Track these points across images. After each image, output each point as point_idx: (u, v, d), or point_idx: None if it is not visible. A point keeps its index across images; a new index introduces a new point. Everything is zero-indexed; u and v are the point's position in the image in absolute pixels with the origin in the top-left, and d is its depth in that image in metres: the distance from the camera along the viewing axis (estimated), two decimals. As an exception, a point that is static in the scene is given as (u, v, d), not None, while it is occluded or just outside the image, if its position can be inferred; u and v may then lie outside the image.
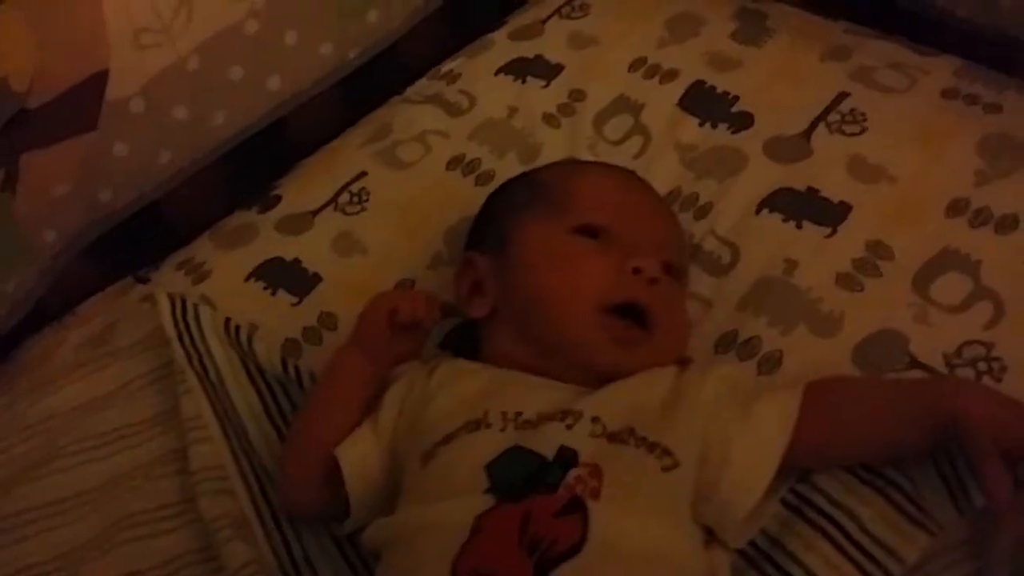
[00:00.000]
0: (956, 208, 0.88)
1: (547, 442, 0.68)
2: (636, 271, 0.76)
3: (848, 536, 0.69)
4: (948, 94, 0.99)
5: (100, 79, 0.92)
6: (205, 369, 0.88)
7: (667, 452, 0.68)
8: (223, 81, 1.01)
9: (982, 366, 0.78)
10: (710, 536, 0.71)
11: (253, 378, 0.88)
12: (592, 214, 0.80)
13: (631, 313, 0.76)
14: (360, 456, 0.75)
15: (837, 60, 1.03)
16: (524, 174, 0.91)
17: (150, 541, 0.81)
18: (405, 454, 0.73)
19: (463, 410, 0.72)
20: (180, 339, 0.89)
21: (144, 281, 1.03)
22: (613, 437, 0.69)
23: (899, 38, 1.07)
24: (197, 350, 0.89)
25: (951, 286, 0.83)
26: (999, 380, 0.77)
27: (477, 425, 0.71)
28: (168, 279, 1.00)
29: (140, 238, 1.08)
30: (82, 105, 0.92)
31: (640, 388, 0.73)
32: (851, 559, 0.68)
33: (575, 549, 0.62)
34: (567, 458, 0.67)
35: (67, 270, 1.02)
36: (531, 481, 0.66)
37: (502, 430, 0.70)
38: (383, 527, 0.71)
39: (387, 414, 0.77)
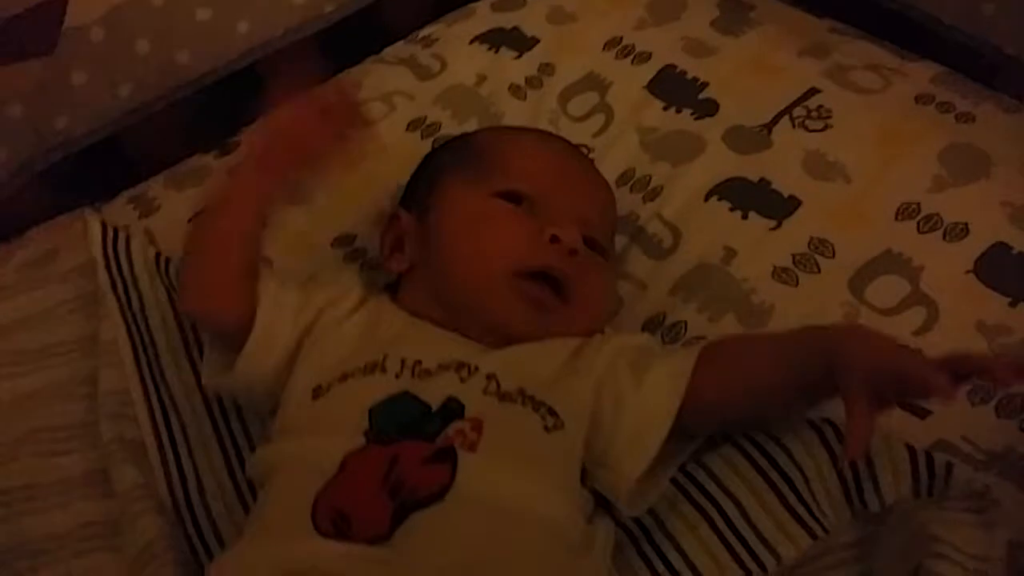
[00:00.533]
0: (906, 212, 0.86)
1: (437, 392, 0.68)
2: (554, 240, 0.75)
3: (730, 524, 0.67)
4: (921, 99, 0.96)
5: (59, 3, 0.92)
6: (128, 297, 0.87)
7: (552, 413, 0.67)
8: (188, 20, 1.00)
9: (904, 371, 0.75)
10: (606, 507, 0.69)
11: (177, 313, 0.87)
12: (517, 180, 0.78)
13: (546, 281, 0.75)
14: (273, 320, 0.75)
15: (814, 57, 1.01)
16: (460, 136, 0.90)
17: (51, 459, 0.80)
18: (299, 367, 0.73)
19: (366, 351, 0.72)
20: (107, 266, 0.88)
21: (96, 211, 1.03)
22: (504, 396, 0.68)
23: (885, 42, 1.05)
24: (123, 278, 0.88)
25: (888, 288, 0.81)
26: (920, 387, 0.74)
27: (373, 368, 0.70)
28: (118, 212, 1.00)
29: (103, 171, 1.08)
30: (39, 28, 0.92)
31: (540, 352, 0.72)
32: (729, 547, 0.66)
33: (437, 496, 0.61)
34: (452, 409, 0.67)
35: (25, 196, 1.02)
36: (410, 427, 0.65)
37: (397, 376, 0.70)
38: (262, 459, 0.71)
39: (308, 313, 0.76)
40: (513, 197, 0.77)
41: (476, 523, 0.62)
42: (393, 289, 0.84)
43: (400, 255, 0.81)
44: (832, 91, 0.97)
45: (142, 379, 0.82)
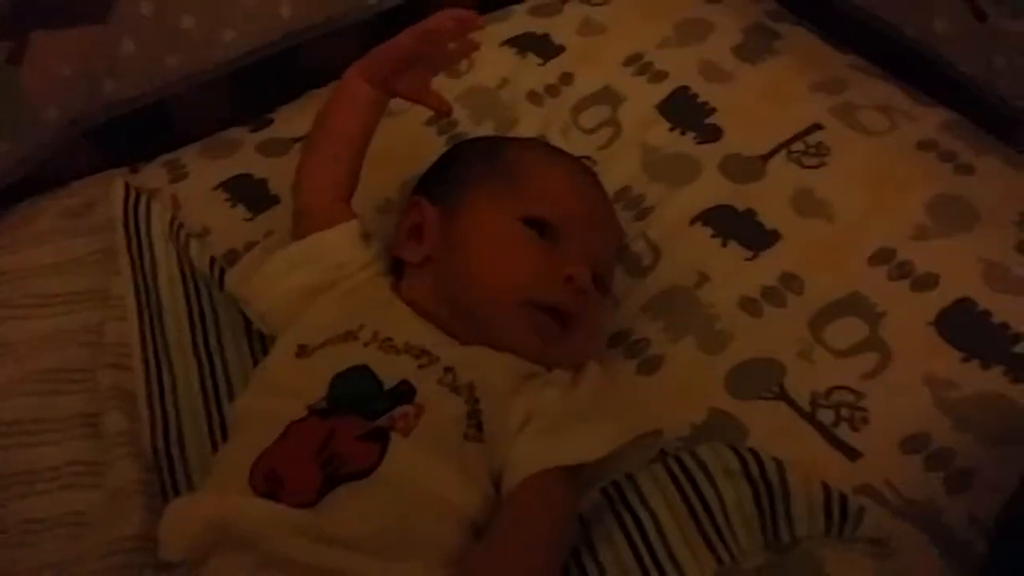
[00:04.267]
0: (881, 257, 0.88)
1: (394, 372, 0.74)
2: (568, 279, 0.79)
3: (645, 538, 0.71)
4: (924, 146, 0.97)
5: (112, -25, 0.99)
6: (141, 256, 0.94)
7: (478, 426, 0.72)
8: (233, 1, 1.06)
9: (844, 412, 0.78)
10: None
11: (184, 275, 0.94)
12: (544, 209, 0.82)
13: (553, 314, 0.79)
14: (326, 248, 0.83)
15: (826, 92, 1.03)
16: (493, 141, 0.94)
17: (54, 397, 0.87)
18: (301, 317, 0.80)
19: (350, 320, 0.78)
20: (126, 225, 0.96)
21: (136, 171, 1.11)
22: (455, 388, 0.74)
23: (904, 83, 1.05)
24: (139, 238, 0.95)
25: (846, 330, 0.84)
26: (856, 429, 0.78)
27: (348, 337, 0.77)
28: (152, 174, 1.07)
29: (148, 134, 1.16)
30: (94, -2, 1.00)
31: (500, 361, 0.77)
32: (640, 560, 0.70)
33: (365, 472, 0.67)
34: (403, 392, 0.72)
35: (73, 150, 1.10)
36: (360, 400, 0.71)
37: (366, 345, 0.76)
38: (233, 408, 0.78)
39: (344, 269, 0.83)
40: (538, 225, 0.81)
41: (395, 501, 0.67)
42: (397, 270, 0.87)
43: (417, 245, 0.85)
44: (835, 129, 0.98)
45: (143, 335, 0.89)
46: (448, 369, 0.75)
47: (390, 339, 0.77)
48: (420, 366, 0.75)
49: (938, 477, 0.74)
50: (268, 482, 0.68)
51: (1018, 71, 0.94)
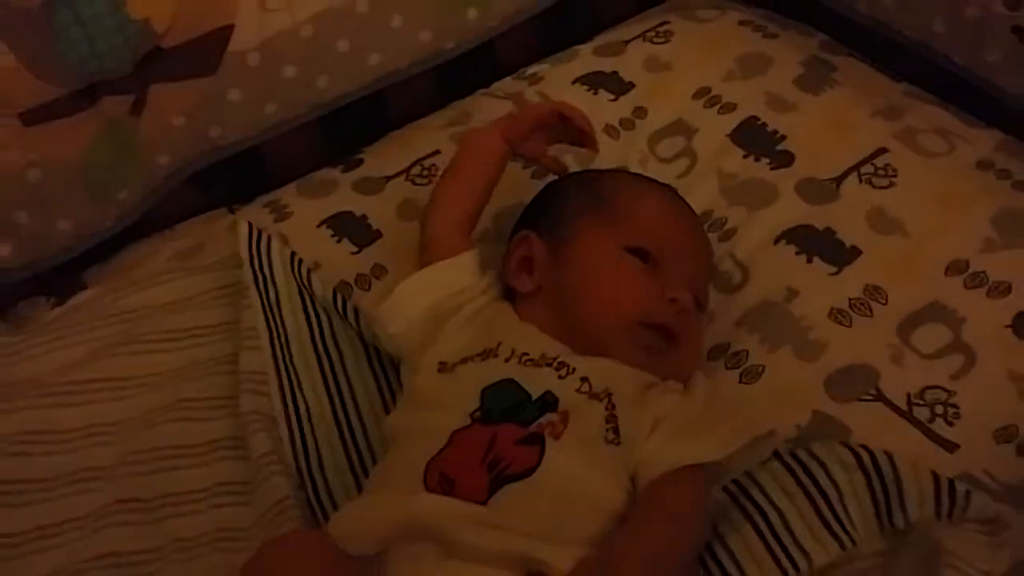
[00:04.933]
0: (956, 268, 0.95)
1: (538, 384, 0.81)
2: (672, 301, 0.87)
3: (771, 527, 0.78)
4: (982, 165, 1.05)
5: (225, 32, 1.06)
6: (267, 291, 1.01)
7: (616, 431, 0.80)
8: (330, 50, 1.14)
9: (939, 409, 0.86)
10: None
11: (306, 306, 1.01)
12: (645, 238, 0.90)
13: (661, 331, 0.87)
14: (446, 278, 0.92)
15: (886, 118, 1.11)
16: (591, 175, 1.01)
17: (196, 424, 0.95)
18: (437, 339, 0.88)
19: (485, 340, 0.86)
20: (251, 262, 1.03)
21: (236, 212, 1.18)
22: (593, 395, 0.81)
23: (955, 107, 1.14)
24: (263, 274, 1.02)
25: (931, 335, 0.91)
26: (951, 424, 0.85)
27: (487, 354, 0.84)
28: (255, 214, 1.14)
29: (242, 176, 1.23)
30: (207, 52, 1.07)
31: (624, 370, 0.84)
32: (768, 547, 0.77)
33: (527, 473, 0.75)
34: (549, 403, 0.80)
35: (176, 194, 1.18)
36: (511, 411, 0.79)
37: (507, 360, 0.83)
38: (392, 424, 0.86)
39: (466, 294, 0.91)
40: (641, 254, 0.89)
41: (554, 498, 0.75)
42: (509, 296, 0.95)
43: (527, 276, 0.92)
44: (899, 152, 1.06)
45: (275, 362, 0.96)
46: (584, 379, 0.82)
47: (527, 354, 0.84)
48: (560, 376, 0.82)
49: (1029, 462, 0.81)
50: (441, 483, 0.75)
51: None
